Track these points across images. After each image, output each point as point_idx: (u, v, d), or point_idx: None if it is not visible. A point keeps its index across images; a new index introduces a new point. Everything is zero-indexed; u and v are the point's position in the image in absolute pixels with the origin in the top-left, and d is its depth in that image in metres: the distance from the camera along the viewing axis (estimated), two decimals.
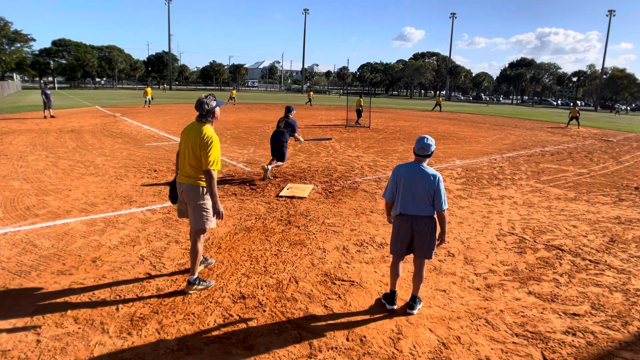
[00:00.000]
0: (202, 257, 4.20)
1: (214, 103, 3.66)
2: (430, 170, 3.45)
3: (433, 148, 3.47)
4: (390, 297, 3.71)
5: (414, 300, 3.65)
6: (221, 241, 5.04)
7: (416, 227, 3.47)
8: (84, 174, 8.20)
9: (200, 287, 3.82)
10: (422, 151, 3.45)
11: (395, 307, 3.67)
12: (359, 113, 21.04)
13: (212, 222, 3.79)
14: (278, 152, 8.46)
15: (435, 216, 3.49)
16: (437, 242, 3.55)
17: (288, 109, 8.44)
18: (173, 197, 4.00)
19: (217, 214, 3.65)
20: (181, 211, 3.96)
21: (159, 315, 3.41)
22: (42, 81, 76.80)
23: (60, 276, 4.01)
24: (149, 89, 28.97)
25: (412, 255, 3.69)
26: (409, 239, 3.55)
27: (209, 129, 3.62)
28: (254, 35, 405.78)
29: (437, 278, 4.34)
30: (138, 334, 3.16)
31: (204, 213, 3.72)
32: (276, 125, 8.54)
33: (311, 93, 44.20)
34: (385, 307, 3.69)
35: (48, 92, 19.15)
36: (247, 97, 53.47)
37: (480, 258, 4.91)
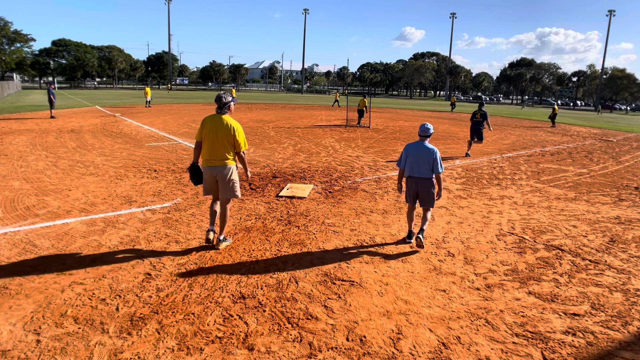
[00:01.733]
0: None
1: (230, 98, 4.66)
2: (430, 146, 5.02)
3: (432, 131, 5.09)
4: (408, 235, 5.27)
5: (421, 231, 5.01)
6: None
7: (420, 185, 5.02)
8: (84, 174, 8.20)
9: (227, 242, 4.91)
10: (424, 133, 5.06)
11: (412, 241, 5.18)
12: (361, 113, 20.97)
13: (239, 192, 4.86)
14: (479, 135, 12.58)
15: (434, 178, 5.00)
16: (436, 198, 5.05)
17: (481, 104, 12.28)
18: (197, 179, 4.81)
19: (249, 178, 5.09)
20: (207, 190, 4.79)
21: (159, 315, 3.41)
22: (42, 81, 76.87)
23: (60, 276, 4.01)
24: (148, 89, 28.97)
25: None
26: (415, 193, 5.09)
27: (230, 119, 4.61)
28: (254, 35, 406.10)
29: (437, 278, 4.34)
30: (138, 334, 3.16)
31: (236, 185, 4.76)
32: (472, 115, 12.62)
33: (337, 94, 39.71)
34: (404, 247, 5.25)
35: (54, 91, 19.81)
36: (247, 97, 53.49)
37: (480, 258, 4.91)
